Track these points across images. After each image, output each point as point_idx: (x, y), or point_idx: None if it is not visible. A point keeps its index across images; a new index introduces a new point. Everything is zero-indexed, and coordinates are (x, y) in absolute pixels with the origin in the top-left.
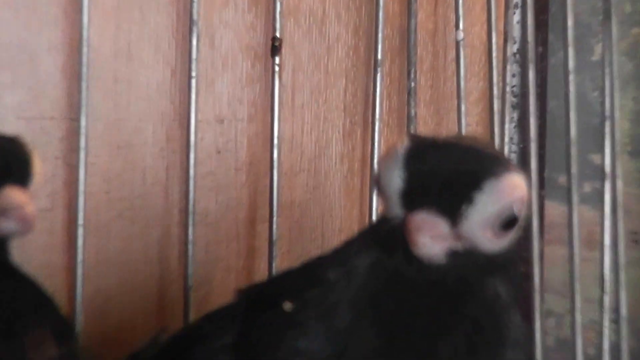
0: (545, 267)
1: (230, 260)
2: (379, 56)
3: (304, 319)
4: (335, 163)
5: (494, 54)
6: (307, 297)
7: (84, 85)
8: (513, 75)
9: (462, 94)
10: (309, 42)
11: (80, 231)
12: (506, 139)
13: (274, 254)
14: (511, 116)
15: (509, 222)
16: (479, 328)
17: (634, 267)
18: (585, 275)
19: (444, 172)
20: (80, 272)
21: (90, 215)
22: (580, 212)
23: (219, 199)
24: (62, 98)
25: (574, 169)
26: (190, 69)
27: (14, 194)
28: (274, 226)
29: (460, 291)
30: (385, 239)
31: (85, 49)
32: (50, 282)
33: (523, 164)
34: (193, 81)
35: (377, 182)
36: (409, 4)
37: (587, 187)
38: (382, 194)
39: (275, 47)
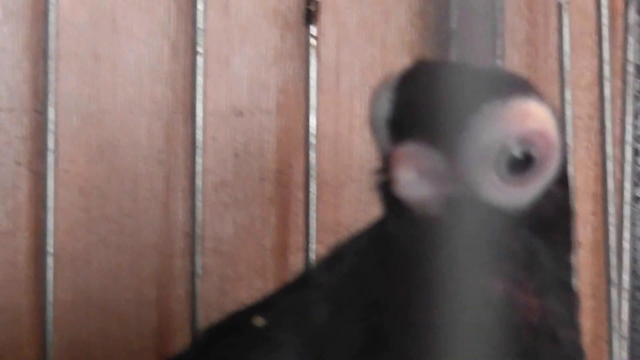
0: None
1: None
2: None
3: (275, 332)
4: None
5: (604, 20)
6: (282, 305)
7: (51, 65)
8: None
9: (567, 75)
10: (358, 3)
11: (50, 261)
12: (628, 137)
13: None
14: (635, 106)
15: (522, 164)
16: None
17: None
18: None
19: (439, 94)
20: (51, 316)
21: (63, 241)
22: None
23: (237, 219)
24: (23, 83)
25: None
26: (195, 43)
27: None
28: (312, 256)
29: (471, 261)
30: (377, 188)
31: (52, 17)
32: (12, 328)
33: None
34: (200, 59)
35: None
36: None
37: None
38: (371, 128)
39: (310, 13)
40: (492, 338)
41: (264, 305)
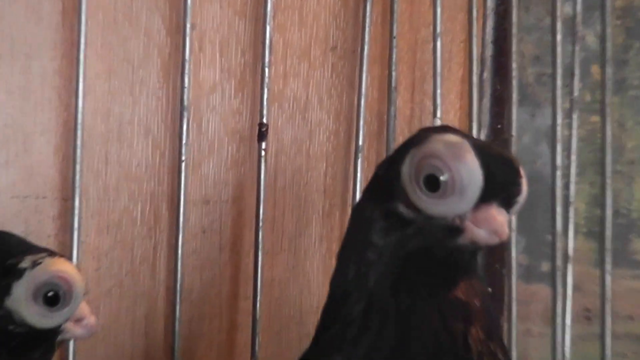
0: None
1: (213, 336)
2: (360, 141)
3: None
4: (315, 243)
5: None
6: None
7: (77, 167)
8: None
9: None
10: (292, 127)
11: None
12: None
13: (257, 330)
14: None
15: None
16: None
17: (585, 341)
18: (541, 348)
19: (510, 170)
20: (72, 347)
21: None
22: (537, 290)
23: (203, 276)
24: (55, 178)
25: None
26: (180, 153)
27: (85, 307)
28: (258, 304)
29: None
30: (442, 232)
31: (79, 132)
32: None
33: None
34: (182, 165)
35: (452, 179)
36: (389, 91)
37: (545, 267)
38: (452, 190)
39: (262, 133)
40: None
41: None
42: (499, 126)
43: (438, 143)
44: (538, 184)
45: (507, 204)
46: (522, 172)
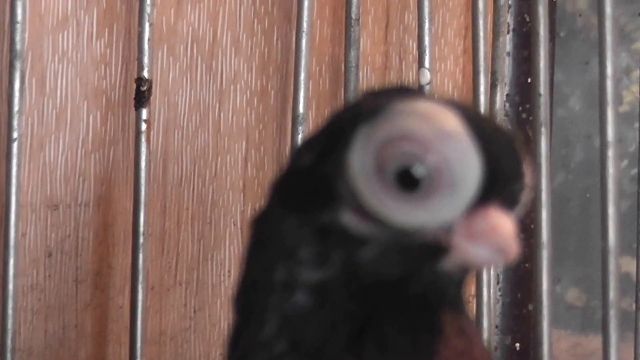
0: None
1: None
2: (301, 108)
3: None
4: (229, 272)
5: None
6: None
7: None
8: None
9: None
10: (190, 84)
11: None
12: None
13: None
14: None
15: None
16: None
17: None
18: None
19: (510, 151)
20: None
21: None
22: (597, 347)
23: (49, 328)
24: None
25: None
26: (10, 127)
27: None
28: None
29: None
30: (418, 255)
31: None
32: None
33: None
34: (14, 146)
35: (439, 171)
36: (347, 26)
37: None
38: (437, 188)
39: (142, 94)
40: None
41: None
42: (528, 80)
43: (410, 117)
44: (596, 175)
45: (509, 204)
46: (522, 154)
